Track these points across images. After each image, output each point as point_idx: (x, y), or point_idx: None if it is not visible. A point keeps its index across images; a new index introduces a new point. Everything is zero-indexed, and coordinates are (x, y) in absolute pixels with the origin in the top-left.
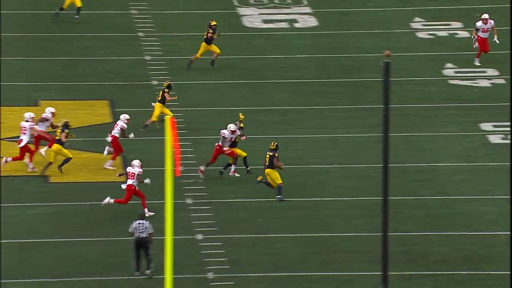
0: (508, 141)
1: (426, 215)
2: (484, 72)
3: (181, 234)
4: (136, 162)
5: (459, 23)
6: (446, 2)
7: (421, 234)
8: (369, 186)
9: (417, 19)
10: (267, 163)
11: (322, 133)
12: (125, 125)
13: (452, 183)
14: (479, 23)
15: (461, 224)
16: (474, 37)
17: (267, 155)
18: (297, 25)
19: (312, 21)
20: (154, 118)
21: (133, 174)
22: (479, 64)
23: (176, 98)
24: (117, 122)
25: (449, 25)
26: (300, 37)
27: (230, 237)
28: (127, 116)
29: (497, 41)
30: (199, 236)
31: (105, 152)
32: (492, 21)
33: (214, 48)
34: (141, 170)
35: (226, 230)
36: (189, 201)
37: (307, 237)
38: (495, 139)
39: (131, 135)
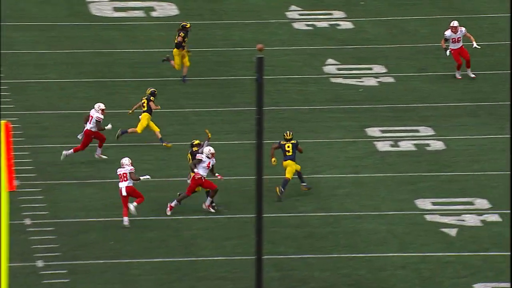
0: (398, 148)
1: (306, 234)
2: (370, 69)
3: (18, 261)
4: (125, 161)
5: (341, 12)
6: None
7: (301, 257)
8: (240, 202)
9: (294, 7)
10: (288, 154)
11: (186, 140)
12: (101, 116)
13: (336, 197)
14: (447, 33)
15: (346, 245)
16: (447, 49)
17: (287, 145)
18: (154, 14)
19: (172, 9)
20: (139, 131)
21: (125, 175)
22: (460, 77)
23: (159, 107)
24: (91, 113)
25: (330, 14)
26: (158, 28)
27: (77, 264)
28: (102, 106)
29: (478, 47)
30: (40, 263)
31: (63, 157)
32: (463, 29)
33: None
34: (132, 167)
35: (72, 255)
36: (27, 221)
37: (168, 262)
38: (383, 146)
39: (109, 126)
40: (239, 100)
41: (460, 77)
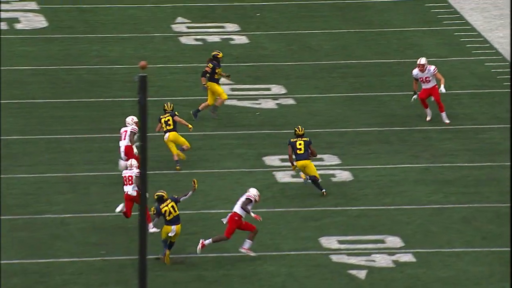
0: (300, 179)
1: (194, 278)
2: (268, 89)
3: None
4: (134, 162)
5: (235, 25)
6: None
7: None
8: (120, 241)
9: (180, 19)
10: (300, 152)
11: (57, 171)
12: (136, 128)
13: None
14: (414, 71)
15: None
16: (415, 93)
17: (298, 142)
18: (19, 26)
19: (40, 21)
20: (187, 146)
21: (130, 178)
22: (429, 119)
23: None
24: (125, 129)
25: (222, 27)
26: (24, 42)
27: None
28: (135, 118)
29: (443, 90)
30: None
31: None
32: (431, 67)
33: (218, 89)
34: (139, 171)
35: None
36: None
37: None
38: (284, 177)
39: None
40: (119, 125)
41: (429, 119)
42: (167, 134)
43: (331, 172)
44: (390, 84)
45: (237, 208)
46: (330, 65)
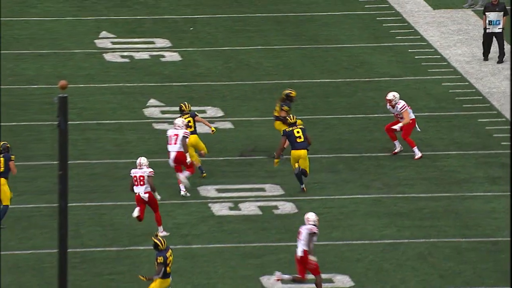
0: (239, 212)
1: None
2: (203, 111)
3: None
4: (143, 161)
5: (166, 40)
6: (143, 9)
7: None
8: (35, 283)
9: (105, 34)
10: (300, 140)
11: None
12: (188, 132)
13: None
14: (387, 105)
15: None
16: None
17: (296, 130)
18: None
19: None
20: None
21: (141, 178)
22: (397, 151)
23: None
24: (175, 132)
25: (151, 43)
26: None
27: None
28: (185, 121)
29: (419, 129)
30: None
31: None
32: (400, 104)
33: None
34: (152, 170)
35: None
36: None
37: None
38: (220, 209)
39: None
40: (35, 151)
41: (397, 151)
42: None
43: (273, 203)
44: (338, 106)
45: (302, 247)
46: (271, 85)
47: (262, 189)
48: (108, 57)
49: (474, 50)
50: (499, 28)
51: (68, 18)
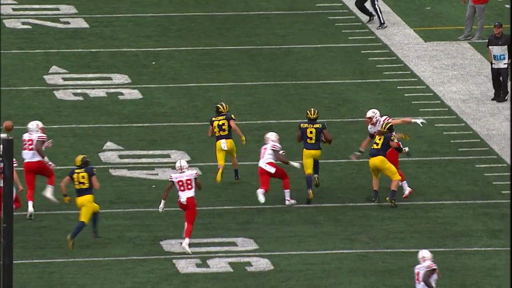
0: (207, 269)
1: None
2: (166, 156)
3: None
4: (184, 163)
5: (124, 76)
6: (99, 42)
7: None
8: None
9: (55, 69)
10: (311, 141)
11: None
12: (278, 145)
13: None
14: (369, 126)
15: None
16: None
17: (309, 130)
18: None
19: None
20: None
21: (188, 182)
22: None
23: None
24: (268, 146)
25: (108, 79)
26: None
27: None
28: (275, 136)
29: (406, 150)
30: None
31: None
32: (384, 118)
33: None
34: (195, 172)
35: None
36: None
37: None
38: (186, 265)
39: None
40: None
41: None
42: (223, 142)
43: (245, 259)
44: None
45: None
46: (243, 126)
47: (233, 243)
48: (60, 94)
49: (470, 87)
50: (504, 64)
51: (14, 51)
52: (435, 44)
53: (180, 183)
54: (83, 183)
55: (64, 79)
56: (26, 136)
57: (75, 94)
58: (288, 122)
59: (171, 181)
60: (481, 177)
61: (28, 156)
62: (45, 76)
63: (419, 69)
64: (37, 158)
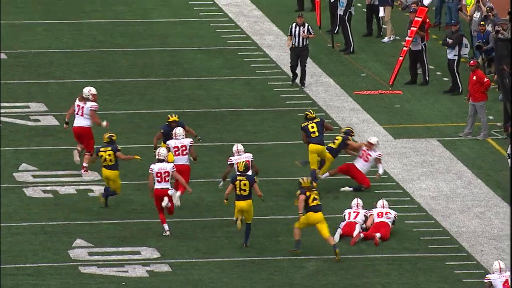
0: None
1: None
2: (136, 253)
3: None
4: (240, 147)
5: (94, 173)
6: (70, 139)
7: None
8: None
9: (25, 166)
10: (315, 135)
11: None
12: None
13: None
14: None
15: None
16: None
17: (310, 125)
18: None
19: None
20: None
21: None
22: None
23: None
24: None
25: (79, 175)
26: None
27: None
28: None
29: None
30: None
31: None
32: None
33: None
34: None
35: None
36: None
37: None
38: None
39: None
40: None
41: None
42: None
43: None
44: (288, 246)
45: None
46: (213, 222)
47: None
48: (29, 192)
49: (440, 184)
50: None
51: None
52: (404, 142)
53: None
54: (244, 190)
55: (34, 176)
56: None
57: (45, 191)
58: (260, 219)
59: (230, 163)
60: (451, 275)
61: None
62: (14, 174)
63: (389, 166)
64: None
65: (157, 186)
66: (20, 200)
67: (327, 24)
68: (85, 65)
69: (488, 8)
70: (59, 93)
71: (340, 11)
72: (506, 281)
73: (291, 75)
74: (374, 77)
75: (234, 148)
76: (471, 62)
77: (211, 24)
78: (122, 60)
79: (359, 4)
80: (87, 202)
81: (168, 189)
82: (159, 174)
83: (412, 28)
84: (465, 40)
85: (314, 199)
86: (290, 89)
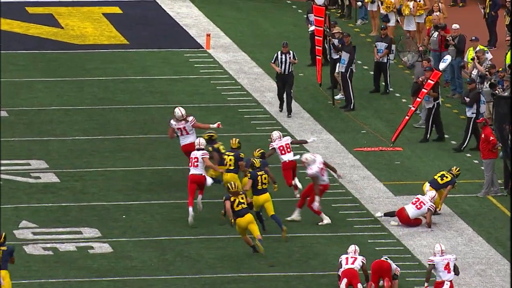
0: None
1: None
2: None
3: None
4: (279, 133)
5: (94, 230)
6: (69, 196)
7: None
8: None
9: (25, 223)
10: (231, 167)
11: None
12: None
13: None
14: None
15: None
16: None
17: (229, 157)
18: None
19: None
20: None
21: (287, 146)
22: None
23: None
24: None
25: (78, 233)
26: None
27: None
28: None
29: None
30: None
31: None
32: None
33: None
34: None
35: None
36: None
37: None
38: None
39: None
40: None
41: None
42: None
43: None
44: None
45: None
46: (214, 279)
47: None
48: (29, 249)
49: (441, 241)
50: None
51: None
52: (405, 198)
53: (281, 147)
54: (265, 184)
55: (34, 233)
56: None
57: (45, 249)
58: (259, 275)
59: (272, 148)
60: None
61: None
62: (14, 231)
63: (389, 223)
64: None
65: (192, 171)
66: (20, 258)
67: (327, 81)
68: (86, 122)
69: (488, 66)
70: (60, 150)
71: (341, 68)
72: (448, 264)
73: (278, 103)
74: (375, 134)
75: (275, 135)
76: (480, 119)
77: (211, 81)
78: (122, 117)
79: (359, 62)
80: (87, 259)
81: (201, 175)
82: (190, 160)
83: (423, 90)
84: (482, 98)
85: (239, 203)
86: (292, 146)
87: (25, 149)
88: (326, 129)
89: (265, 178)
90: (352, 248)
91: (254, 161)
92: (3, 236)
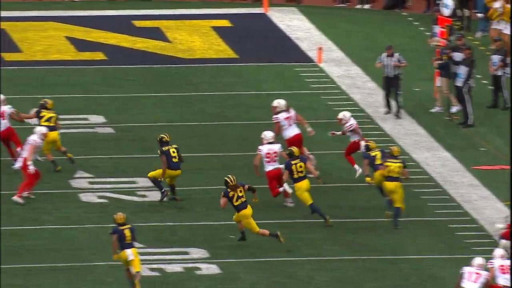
0: None
1: None
2: None
3: None
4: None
5: (201, 250)
6: (177, 215)
7: None
8: None
9: None
10: (175, 160)
11: None
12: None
13: None
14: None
15: None
16: None
17: (172, 150)
18: None
19: None
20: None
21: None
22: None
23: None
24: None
25: (185, 253)
26: None
27: None
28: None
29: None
30: None
31: None
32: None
33: None
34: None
35: None
36: None
37: None
38: None
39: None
40: None
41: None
42: None
43: None
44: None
45: None
46: None
47: None
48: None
49: None
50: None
51: (88, 226)
52: None
53: (268, 155)
54: (301, 171)
55: (140, 253)
56: None
57: (151, 269)
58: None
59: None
60: None
61: None
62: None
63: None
64: None
65: (269, 167)
66: (125, 277)
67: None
68: (192, 139)
69: None
70: None
71: (459, 83)
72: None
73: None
74: (494, 152)
75: (348, 120)
76: None
77: (321, 96)
78: (231, 132)
79: (478, 76)
80: (195, 281)
81: (279, 168)
82: (268, 155)
83: None
84: None
85: (238, 197)
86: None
87: (131, 167)
88: (443, 146)
89: (300, 167)
90: (478, 261)
91: (293, 150)
92: (124, 217)
